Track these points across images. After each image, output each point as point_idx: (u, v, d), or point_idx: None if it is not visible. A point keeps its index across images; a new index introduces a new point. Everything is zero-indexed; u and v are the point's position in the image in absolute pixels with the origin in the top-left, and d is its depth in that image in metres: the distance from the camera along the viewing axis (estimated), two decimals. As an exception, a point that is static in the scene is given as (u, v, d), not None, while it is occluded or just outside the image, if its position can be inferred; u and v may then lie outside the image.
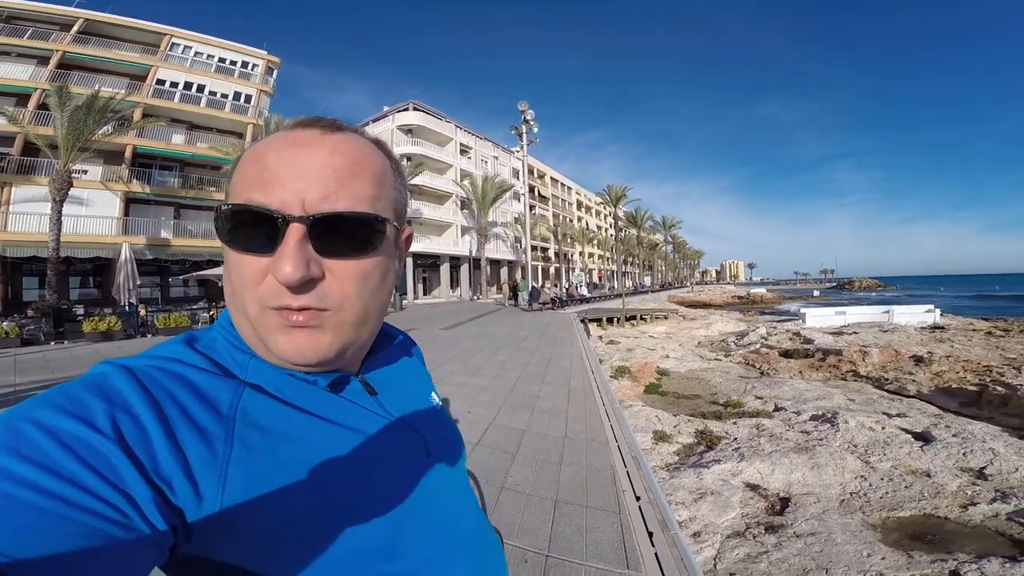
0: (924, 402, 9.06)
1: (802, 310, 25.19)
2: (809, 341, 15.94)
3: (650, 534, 2.62)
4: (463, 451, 0.68)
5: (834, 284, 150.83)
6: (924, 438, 5.98)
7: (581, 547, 2.45)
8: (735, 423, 6.80)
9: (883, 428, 6.23)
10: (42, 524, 0.30)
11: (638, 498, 3.08)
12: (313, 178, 0.44)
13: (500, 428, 4.42)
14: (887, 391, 10.04)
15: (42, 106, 18.71)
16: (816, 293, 78.31)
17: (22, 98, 20.08)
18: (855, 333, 17.58)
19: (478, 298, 36.50)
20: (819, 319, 22.55)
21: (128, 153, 21.37)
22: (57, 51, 21.24)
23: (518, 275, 44.64)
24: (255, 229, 0.44)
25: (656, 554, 2.44)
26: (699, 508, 4.18)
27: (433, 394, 0.69)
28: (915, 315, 22.20)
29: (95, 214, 20.07)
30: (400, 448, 0.54)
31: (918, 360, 12.23)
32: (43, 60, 21.23)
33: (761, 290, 80.00)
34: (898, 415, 7.02)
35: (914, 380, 10.52)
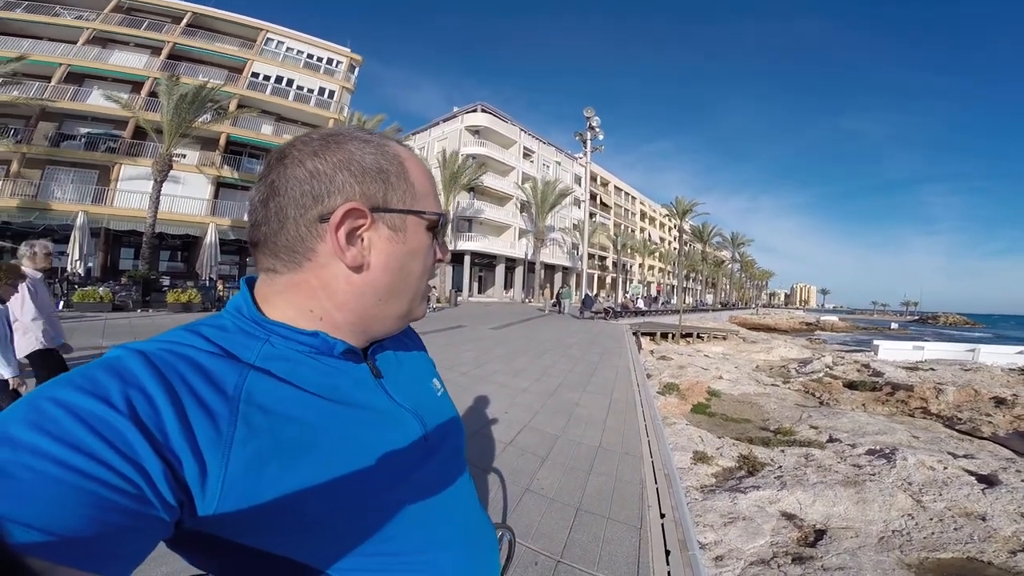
0: (998, 445, 8.28)
1: (875, 342, 23.46)
2: (879, 374, 14.83)
3: (667, 553, 2.59)
4: (463, 439, 0.71)
5: (916, 317, 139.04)
6: (989, 481, 5.49)
7: (595, 557, 2.46)
8: (783, 451, 6.48)
9: (945, 468, 5.77)
10: (62, 495, 0.32)
11: (663, 516, 3.04)
12: None
13: (534, 431, 4.45)
14: (958, 431, 9.22)
15: (152, 93, 20.68)
16: (894, 326, 72.33)
17: (136, 85, 22.23)
18: (932, 370, 16.15)
19: (530, 301, 36.64)
20: (893, 352, 20.86)
21: (222, 140, 23.25)
22: (168, 42, 23.43)
23: (572, 282, 44.41)
24: (441, 229, 0.61)
25: (669, 572, 2.41)
26: (727, 532, 4.04)
27: (435, 380, 0.73)
28: (1004, 355, 20.03)
29: (188, 195, 21.97)
30: (398, 432, 0.56)
31: (999, 401, 11.17)
32: (155, 51, 23.46)
33: (833, 318, 75.03)
34: (965, 456, 6.46)
35: (990, 421, 9.62)
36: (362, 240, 0.53)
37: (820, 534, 4.24)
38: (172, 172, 17.35)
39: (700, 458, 5.90)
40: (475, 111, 37.75)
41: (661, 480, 3.69)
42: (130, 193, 20.32)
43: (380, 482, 0.50)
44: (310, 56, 27.73)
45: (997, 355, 20.09)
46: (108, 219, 19.47)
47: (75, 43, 21.92)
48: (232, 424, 0.43)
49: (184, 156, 20.90)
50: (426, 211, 0.58)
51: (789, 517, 4.49)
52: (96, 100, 20.79)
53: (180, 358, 0.44)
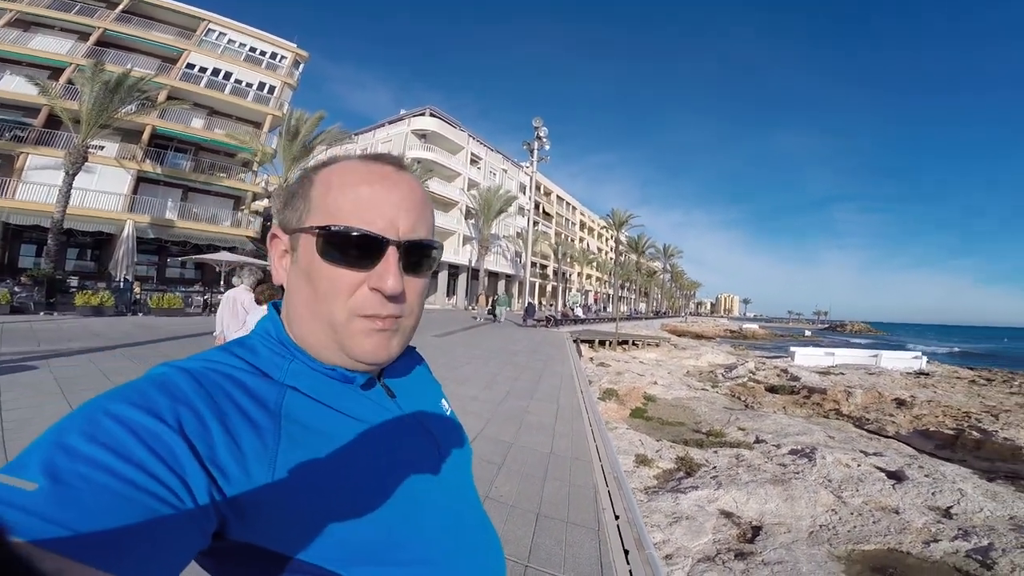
0: (901, 443, 9.29)
1: (792, 348, 25.37)
2: (796, 378, 16.11)
3: (626, 552, 2.75)
4: (470, 454, 0.73)
5: (826, 326, 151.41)
6: (897, 477, 6.13)
7: (560, 560, 2.55)
8: (716, 452, 6.93)
9: (859, 465, 6.39)
10: (112, 504, 0.34)
11: (617, 517, 3.21)
12: (404, 209, 0.54)
13: (488, 439, 4.51)
14: (867, 431, 10.25)
15: (73, 80, 19.04)
16: (808, 333, 78.59)
17: (56, 71, 20.36)
18: (842, 374, 17.77)
19: (473, 308, 36.59)
20: (808, 358, 22.67)
21: (147, 133, 21.61)
22: (98, 28, 21.62)
23: (515, 289, 44.78)
24: (359, 249, 0.52)
25: (630, 571, 2.56)
26: (673, 531, 4.30)
27: (443, 401, 0.76)
28: (902, 360, 22.40)
29: (104, 189, 20.24)
30: (416, 447, 0.59)
31: (900, 403, 12.53)
32: (83, 36, 21.61)
33: (753, 326, 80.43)
34: (874, 454, 7.18)
35: (894, 422, 10.79)
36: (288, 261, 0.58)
37: (756, 530, 4.59)
38: (87, 164, 15.99)
39: (642, 461, 6.19)
40: (423, 115, 37.33)
41: (611, 483, 3.87)
42: (36, 185, 18.47)
43: (402, 494, 0.53)
44: (252, 49, 26.39)
45: (896, 360, 22.46)
46: (8, 212, 17.59)
47: (-8, 25, 19.77)
48: (276, 437, 0.46)
49: (102, 148, 19.20)
50: (313, 226, 0.53)
51: (727, 515, 4.83)
52: (6, 85, 18.86)
53: (223, 376, 0.47)
